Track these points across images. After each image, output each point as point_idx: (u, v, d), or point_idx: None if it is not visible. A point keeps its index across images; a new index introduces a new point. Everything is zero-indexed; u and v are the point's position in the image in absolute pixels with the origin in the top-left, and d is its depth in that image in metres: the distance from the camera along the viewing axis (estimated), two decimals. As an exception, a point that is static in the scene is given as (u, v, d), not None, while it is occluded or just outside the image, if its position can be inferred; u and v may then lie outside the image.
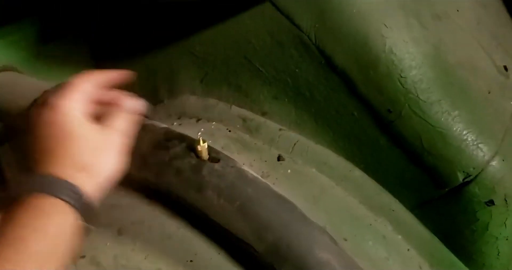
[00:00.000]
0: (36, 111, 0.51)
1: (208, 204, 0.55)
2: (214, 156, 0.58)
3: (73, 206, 0.45)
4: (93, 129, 0.49)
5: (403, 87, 0.58)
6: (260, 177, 0.57)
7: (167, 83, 0.81)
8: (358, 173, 0.66)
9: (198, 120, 0.76)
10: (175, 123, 0.76)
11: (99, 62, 0.94)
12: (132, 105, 0.53)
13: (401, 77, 0.58)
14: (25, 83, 0.81)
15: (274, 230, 0.53)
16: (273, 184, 0.63)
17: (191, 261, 0.57)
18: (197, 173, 0.56)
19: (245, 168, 0.57)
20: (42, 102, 0.52)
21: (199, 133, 0.71)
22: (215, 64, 0.74)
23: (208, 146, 0.57)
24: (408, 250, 0.65)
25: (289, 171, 0.67)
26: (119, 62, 0.89)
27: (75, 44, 0.92)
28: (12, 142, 0.89)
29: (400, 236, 0.65)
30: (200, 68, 0.76)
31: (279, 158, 0.68)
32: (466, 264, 0.65)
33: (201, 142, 0.56)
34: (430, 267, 0.65)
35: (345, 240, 0.62)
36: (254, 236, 0.53)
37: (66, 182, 0.45)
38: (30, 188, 0.44)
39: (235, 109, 0.74)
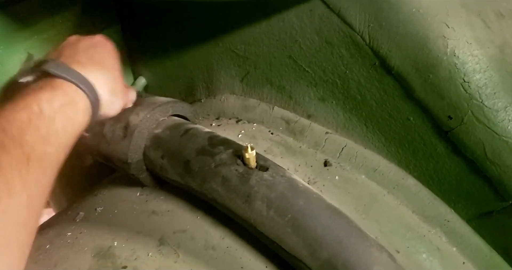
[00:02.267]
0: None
1: (257, 216, 0.51)
2: (263, 164, 0.53)
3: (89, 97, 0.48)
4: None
5: (466, 92, 0.53)
6: (312, 188, 0.52)
7: (205, 82, 0.77)
8: (411, 181, 0.61)
9: (238, 121, 0.72)
10: (213, 124, 0.72)
11: (134, 59, 0.90)
12: None
13: (464, 81, 0.53)
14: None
15: (329, 246, 0.48)
16: (320, 191, 0.58)
17: (237, 274, 0.53)
18: (245, 182, 0.51)
19: (296, 177, 0.53)
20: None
21: (240, 135, 0.67)
22: (257, 63, 0.70)
23: (256, 153, 0.53)
24: (464, 263, 0.60)
25: (336, 177, 0.62)
26: (156, 57, 0.85)
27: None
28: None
29: (455, 249, 0.60)
30: (241, 67, 0.72)
31: (326, 164, 0.63)
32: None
33: (249, 149, 0.52)
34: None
35: (398, 252, 0.58)
36: (307, 252, 0.48)
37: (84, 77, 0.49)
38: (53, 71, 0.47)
39: (278, 111, 0.70)
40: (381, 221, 0.59)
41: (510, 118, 0.52)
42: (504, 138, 0.52)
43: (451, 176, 0.58)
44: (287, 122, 0.68)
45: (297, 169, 0.62)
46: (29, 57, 0.76)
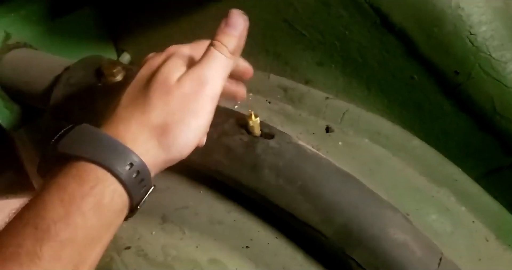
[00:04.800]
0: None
1: (265, 185, 0.47)
2: (268, 132, 0.50)
3: (123, 182, 0.36)
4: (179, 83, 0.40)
5: (473, 45, 0.50)
6: (320, 153, 0.49)
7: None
8: (417, 142, 0.58)
9: (232, 91, 0.68)
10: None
11: (116, 35, 0.85)
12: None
13: (471, 34, 0.50)
14: (42, 61, 0.72)
15: (343, 211, 0.46)
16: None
17: (247, 247, 0.50)
18: (251, 151, 0.48)
19: (303, 143, 0.50)
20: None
21: (236, 106, 0.63)
22: (249, 30, 0.65)
23: (261, 121, 0.50)
24: (473, 222, 0.58)
25: (340, 143, 0.59)
26: (139, 32, 0.80)
27: (91, 16, 0.83)
28: (29, 126, 0.82)
29: (464, 208, 0.58)
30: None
31: (328, 130, 0.60)
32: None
33: (253, 116, 0.48)
34: (497, 239, 0.58)
35: (408, 214, 0.55)
36: (320, 219, 0.46)
37: (127, 149, 0.36)
38: (77, 152, 0.35)
39: (275, 78, 0.66)
40: (388, 184, 0.56)
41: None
42: (515, 91, 0.49)
43: (459, 134, 0.55)
44: (285, 89, 0.64)
45: (298, 137, 0.59)
46: (7, 35, 0.70)
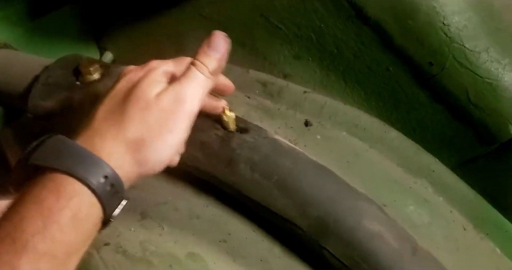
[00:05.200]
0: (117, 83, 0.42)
1: (241, 180, 0.47)
2: (243, 127, 0.50)
3: (97, 194, 0.36)
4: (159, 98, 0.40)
5: (447, 36, 0.50)
6: (296, 147, 0.49)
7: (175, 50, 0.72)
8: (394, 134, 0.58)
9: (212, 87, 0.68)
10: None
11: (98, 34, 0.85)
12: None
13: (444, 24, 0.50)
14: (21, 61, 0.72)
15: (319, 204, 0.46)
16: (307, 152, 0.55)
17: (224, 241, 0.50)
18: (226, 146, 0.48)
19: (279, 137, 0.50)
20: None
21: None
22: (227, 25, 0.65)
23: (236, 116, 0.49)
24: (451, 212, 0.58)
25: (318, 136, 0.59)
26: (121, 30, 0.79)
27: (72, 15, 0.82)
28: (13, 124, 0.81)
29: (441, 198, 0.58)
30: (210, 31, 0.67)
31: (307, 123, 0.60)
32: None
33: (227, 111, 0.48)
34: (474, 228, 0.59)
35: (385, 206, 0.55)
36: (297, 213, 0.46)
37: (102, 161, 0.36)
38: (53, 165, 0.35)
39: (253, 73, 0.66)
40: (365, 176, 0.56)
41: (492, 59, 0.49)
42: (488, 80, 0.49)
43: (434, 124, 0.55)
44: (264, 84, 0.64)
45: (277, 132, 0.59)
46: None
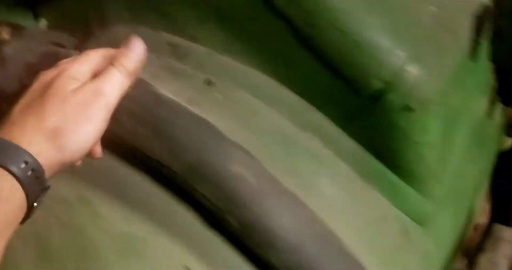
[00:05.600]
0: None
1: (123, 129, 0.52)
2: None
3: (19, 178, 0.37)
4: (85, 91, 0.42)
5: (319, -2, 0.54)
6: (176, 99, 0.53)
7: (97, 14, 0.75)
8: (286, 93, 0.63)
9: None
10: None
11: (33, 1, 0.88)
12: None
13: (316, -13, 0.54)
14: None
15: (190, 150, 0.50)
16: (203, 109, 0.60)
17: (114, 186, 0.54)
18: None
19: (162, 90, 0.54)
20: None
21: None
22: (140, -9, 0.69)
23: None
24: (339, 164, 0.62)
25: (219, 95, 0.63)
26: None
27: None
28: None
29: (331, 151, 0.62)
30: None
31: (208, 83, 0.64)
32: (396, 174, 0.63)
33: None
34: (362, 179, 0.63)
35: (276, 159, 0.60)
36: (171, 158, 0.50)
37: (21, 149, 0.38)
38: None
39: (165, 36, 0.69)
40: (261, 132, 0.60)
41: (358, 17, 0.53)
42: (353, 37, 0.53)
43: (318, 82, 0.59)
44: (173, 46, 0.67)
45: (180, 91, 0.63)
46: None
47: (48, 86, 0.42)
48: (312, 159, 0.61)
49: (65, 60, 0.46)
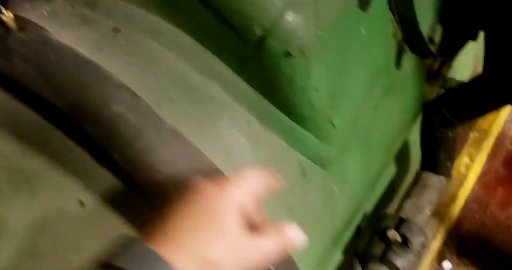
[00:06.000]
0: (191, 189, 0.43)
1: (17, 71, 0.55)
2: (23, 26, 0.57)
3: None
4: (244, 234, 0.41)
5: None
6: (66, 44, 0.57)
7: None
8: (186, 39, 0.66)
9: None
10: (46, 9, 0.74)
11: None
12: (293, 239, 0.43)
13: None
14: None
15: (73, 90, 0.54)
16: (108, 55, 0.63)
17: (14, 126, 0.58)
18: (3, 42, 0.55)
19: (53, 36, 0.57)
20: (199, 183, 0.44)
21: (44, 12, 0.70)
22: None
23: (16, 16, 0.57)
24: (237, 108, 0.67)
25: (124, 42, 0.66)
26: None
27: None
28: None
29: (230, 96, 0.66)
30: None
31: (116, 31, 0.67)
32: (291, 119, 0.67)
33: (4, 11, 0.55)
34: (260, 123, 0.67)
35: (173, 101, 0.64)
36: (56, 96, 0.54)
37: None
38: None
39: (77, -15, 0.72)
40: (161, 76, 0.64)
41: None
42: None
43: (211, 29, 0.62)
44: (85, -5, 0.70)
45: (88, 37, 0.66)
46: None
47: (212, 210, 0.40)
48: (211, 103, 0.65)
49: (234, 184, 0.43)
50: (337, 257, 1.02)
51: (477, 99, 0.94)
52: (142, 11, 0.68)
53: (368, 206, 1.04)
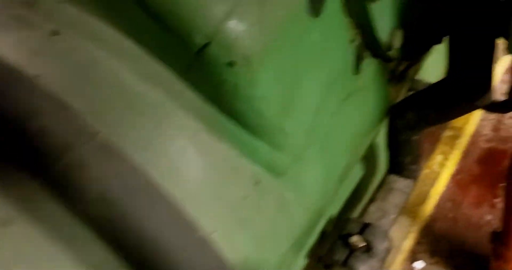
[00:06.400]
0: None
1: None
2: None
3: None
4: None
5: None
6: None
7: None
8: (130, 44, 0.63)
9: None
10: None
11: None
12: None
13: None
14: None
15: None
16: (44, 60, 0.60)
17: None
18: None
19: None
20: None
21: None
22: None
23: None
24: (183, 117, 0.64)
25: (62, 45, 0.63)
26: None
27: None
28: None
29: (174, 104, 0.63)
30: None
31: (54, 33, 0.63)
32: (241, 127, 0.65)
33: None
34: (208, 132, 0.65)
35: (113, 109, 0.60)
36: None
37: None
38: None
39: (17, -14, 0.68)
40: (100, 83, 0.61)
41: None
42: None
43: (154, 36, 0.59)
44: (24, -5, 0.66)
45: (25, 40, 0.63)
46: None
47: None
48: (154, 111, 0.62)
49: None
50: (301, 262, 1.00)
51: (440, 102, 0.93)
52: (84, 14, 0.64)
53: (333, 211, 1.02)
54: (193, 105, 0.63)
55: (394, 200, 1.09)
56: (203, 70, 0.58)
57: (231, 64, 0.55)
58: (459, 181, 1.73)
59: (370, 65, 0.81)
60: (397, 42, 0.77)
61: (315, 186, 0.81)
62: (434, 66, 1.17)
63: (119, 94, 0.61)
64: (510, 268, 1.20)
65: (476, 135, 1.83)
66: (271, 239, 0.76)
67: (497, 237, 1.22)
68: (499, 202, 1.53)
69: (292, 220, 0.80)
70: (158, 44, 0.60)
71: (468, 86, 0.85)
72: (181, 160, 0.63)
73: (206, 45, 0.54)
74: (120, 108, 0.60)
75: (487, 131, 1.83)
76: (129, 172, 0.53)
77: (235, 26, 0.53)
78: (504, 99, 0.86)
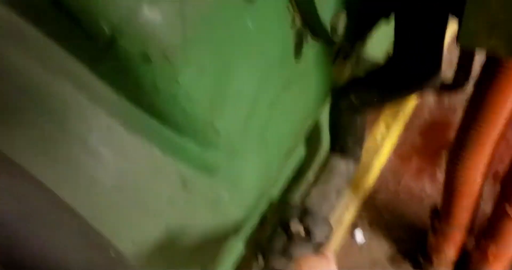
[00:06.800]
0: None
1: None
2: None
3: None
4: None
5: None
6: None
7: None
8: (33, 33, 0.52)
9: None
10: None
11: None
12: None
13: None
14: None
15: None
16: None
17: None
18: None
19: None
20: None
21: None
22: None
23: None
24: (95, 113, 0.55)
25: None
26: None
27: None
28: None
29: (84, 98, 0.54)
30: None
31: None
32: (164, 124, 0.57)
33: None
34: (126, 130, 0.57)
35: (15, 107, 0.51)
36: None
37: None
38: None
39: None
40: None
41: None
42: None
43: (60, 25, 0.49)
44: None
45: None
46: None
47: None
48: (60, 106, 0.54)
49: None
50: (239, 248, 0.97)
51: (386, 84, 0.88)
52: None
53: (274, 192, 0.98)
54: (107, 101, 0.55)
55: (336, 183, 1.06)
56: (113, 66, 0.49)
57: (145, 59, 0.46)
58: (401, 152, 1.74)
59: (312, 49, 0.74)
60: (341, 23, 0.70)
61: (253, 181, 0.76)
62: (379, 44, 1.12)
63: (19, 86, 0.52)
64: (448, 244, 1.22)
65: (419, 107, 1.83)
66: (203, 241, 0.71)
67: (436, 214, 1.23)
68: (440, 174, 1.55)
69: (227, 220, 0.74)
70: (65, 35, 0.50)
71: (416, 67, 0.81)
72: (91, 161, 0.55)
73: (114, 38, 0.45)
74: (20, 103, 0.51)
75: (430, 102, 1.83)
76: (23, 186, 0.45)
77: (149, 16, 0.45)
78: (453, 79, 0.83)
